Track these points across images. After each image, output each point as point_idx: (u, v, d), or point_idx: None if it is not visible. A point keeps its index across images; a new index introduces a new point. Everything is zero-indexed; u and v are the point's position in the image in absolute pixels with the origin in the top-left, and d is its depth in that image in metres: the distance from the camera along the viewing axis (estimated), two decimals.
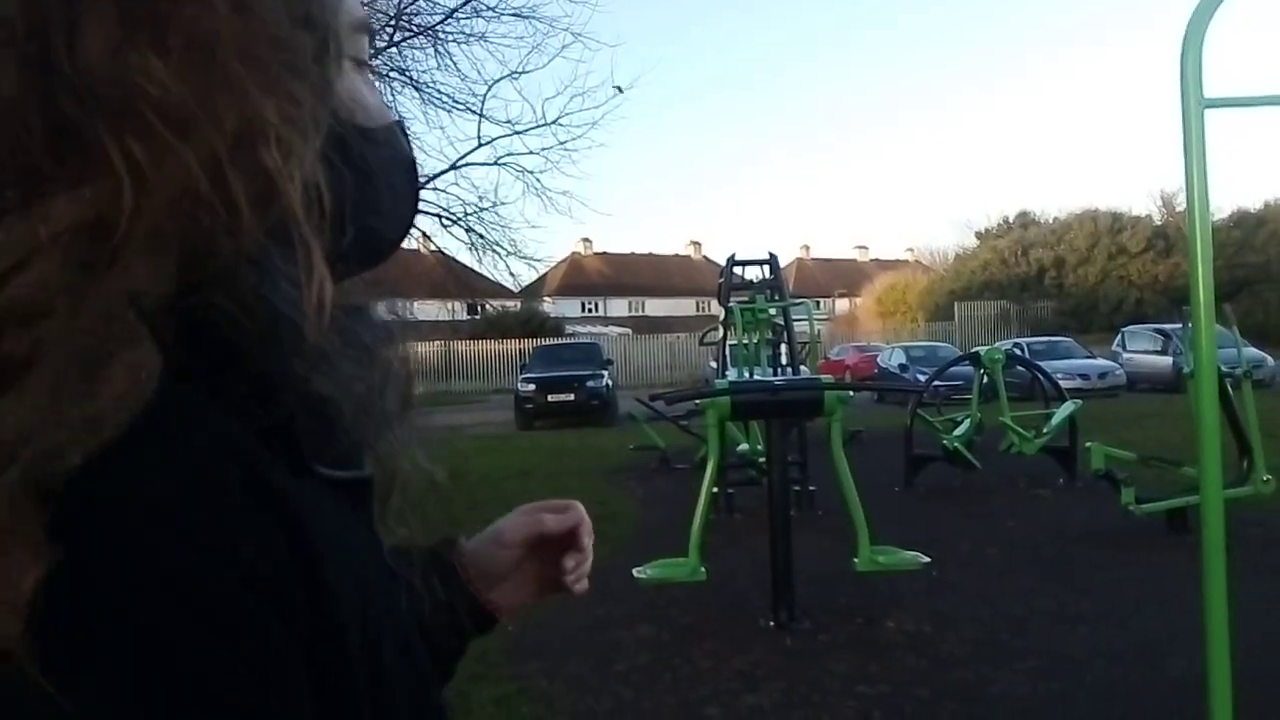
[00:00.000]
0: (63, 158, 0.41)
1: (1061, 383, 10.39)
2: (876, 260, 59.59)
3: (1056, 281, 38.13)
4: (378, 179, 0.53)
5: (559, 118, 12.20)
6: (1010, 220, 44.83)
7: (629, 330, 39.42)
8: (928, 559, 4.56)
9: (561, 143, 12.13)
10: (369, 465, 0.53)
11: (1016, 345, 19.48)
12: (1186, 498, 5.78)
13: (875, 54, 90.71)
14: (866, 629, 4.49)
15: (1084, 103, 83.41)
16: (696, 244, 60.30)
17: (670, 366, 32.07)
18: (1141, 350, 21.18)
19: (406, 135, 0.58)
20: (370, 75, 0.57)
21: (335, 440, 0.49)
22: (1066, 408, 8.13)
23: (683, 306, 50.95)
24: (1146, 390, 19.38)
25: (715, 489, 5.28)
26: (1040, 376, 9.86)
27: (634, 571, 4.59)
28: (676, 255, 60.08)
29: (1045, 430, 8.14)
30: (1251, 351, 19.42)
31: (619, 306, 55.38)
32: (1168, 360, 18.91)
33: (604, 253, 58.25)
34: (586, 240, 57.25)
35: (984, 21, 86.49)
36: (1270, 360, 19.86)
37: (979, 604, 4.82)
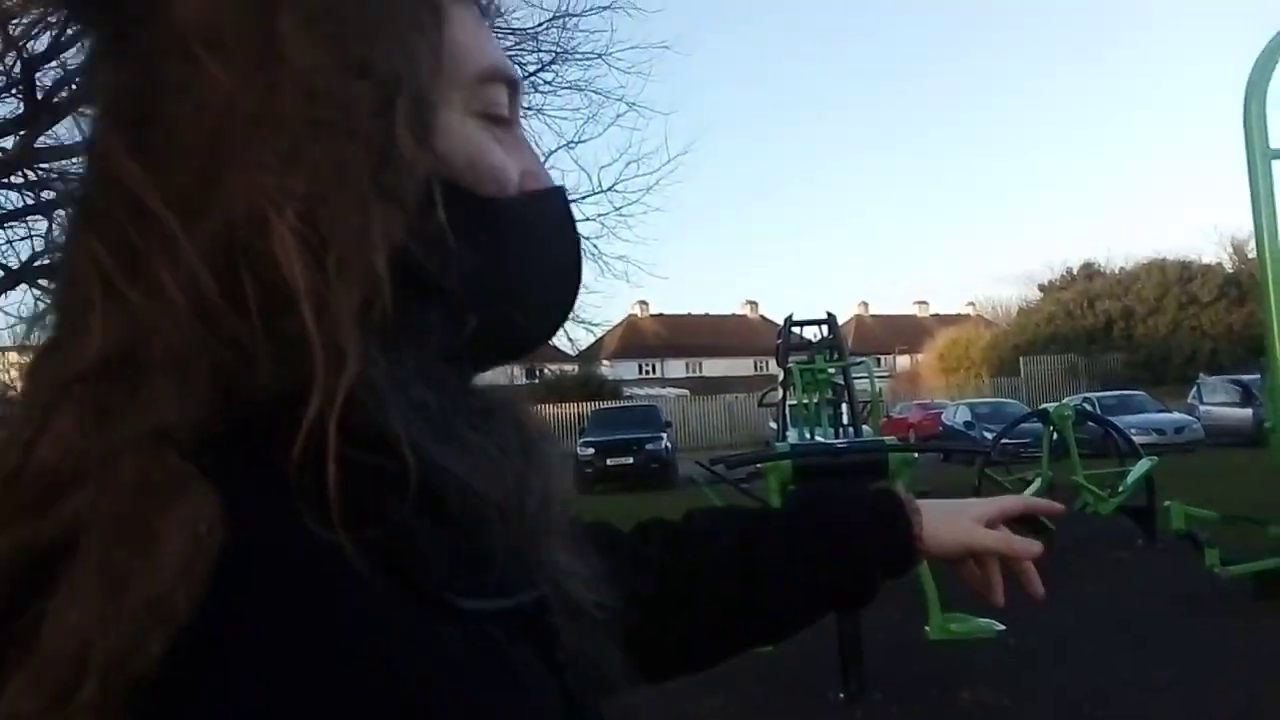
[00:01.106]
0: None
1: (1135, 438, 10.11)
2: (937, 316, 58.94)
3: (1125, 333, 37.21)
4: (512, 258, 0.45)
5: (614, 184, 12.44)
6: (1074, 271, 44.10)
7: (686, 391, 39.38)
8: (1002, 626, 4.42)
9: (617, 209, 12.33)
10: (537, 588, 0.43)
11: (1086, 400, 19.03)
12: (1276, 559, 5.53)
13: (928, 108, 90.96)
14: (940, 701, 4.34)
15: (1146, 149, 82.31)
16: (753, 303, 60.39)
17: (729, 427, 31.86)
18: (1219, 403, 20.46)
19: (567, 202, 0.50)
20: (517, 133, 0.48)
21: (480, 558, 0.41)
22: (1142, 465, 7.87)
23: (740, 366, 50.86)
24: (1226, 444, 18.69)
25: None
26: (1113, 432, 9.59)
27: None
28: (733, 315, 60.19)
29: (1121, 489, 7.87)
30: None
31: (676, 368, 55.44)
32: (1248, 413, 18.24)
33: (660, 314, 58.57)
34: (643, 302, 57.65)
35: (1040, 70, 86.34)
36: None
37: (1058, 673, 4.64)
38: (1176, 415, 19.84)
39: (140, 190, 0.35)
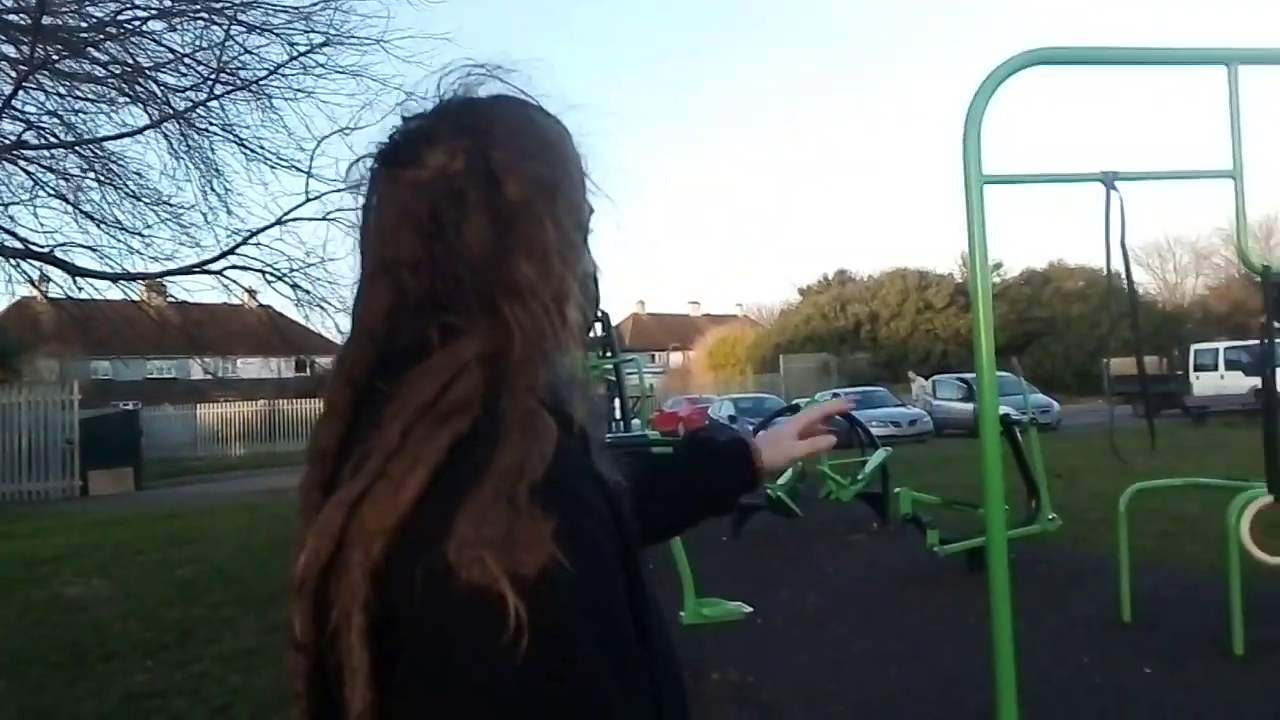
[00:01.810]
0: (467, 312, 0.71)
1: (875, 430, 11.03)
2: (708, 315, 61.48)
3: (871, 335, 40.52)
4: (593, 298, 0.84)
5: None
6: (830, 277, 47.46)
7: None
8: (750, 609, 4.68)
9: None
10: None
11: (835, 395, 20.52)
12: (983, 538, 6.20)
13: (700, 118, 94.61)
14: (692, 683, 4.54)
15: (894, 167, 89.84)
16: None
17: None
18: (947, 398, 22.78)
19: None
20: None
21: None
22: (878, 455, 8.60)
23: None
24: (952, 435, 20.83)
25: None
26: (855, 425, 10.42)
27: None
28: None
29: (860, 477, 8.56)
30: (1039, 398, 21.37)
31: None
32: (969, 407, 20.43)
33: None
34: None
35: (804, 87, 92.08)
36: (1056, 405, 21.80)
37: (799, 651, 4.99)
38: (911, 409, 21.87)
39: (530, 285, 0.72)
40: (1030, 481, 6.75)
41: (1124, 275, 2.91)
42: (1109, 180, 2.90)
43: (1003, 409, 8.14)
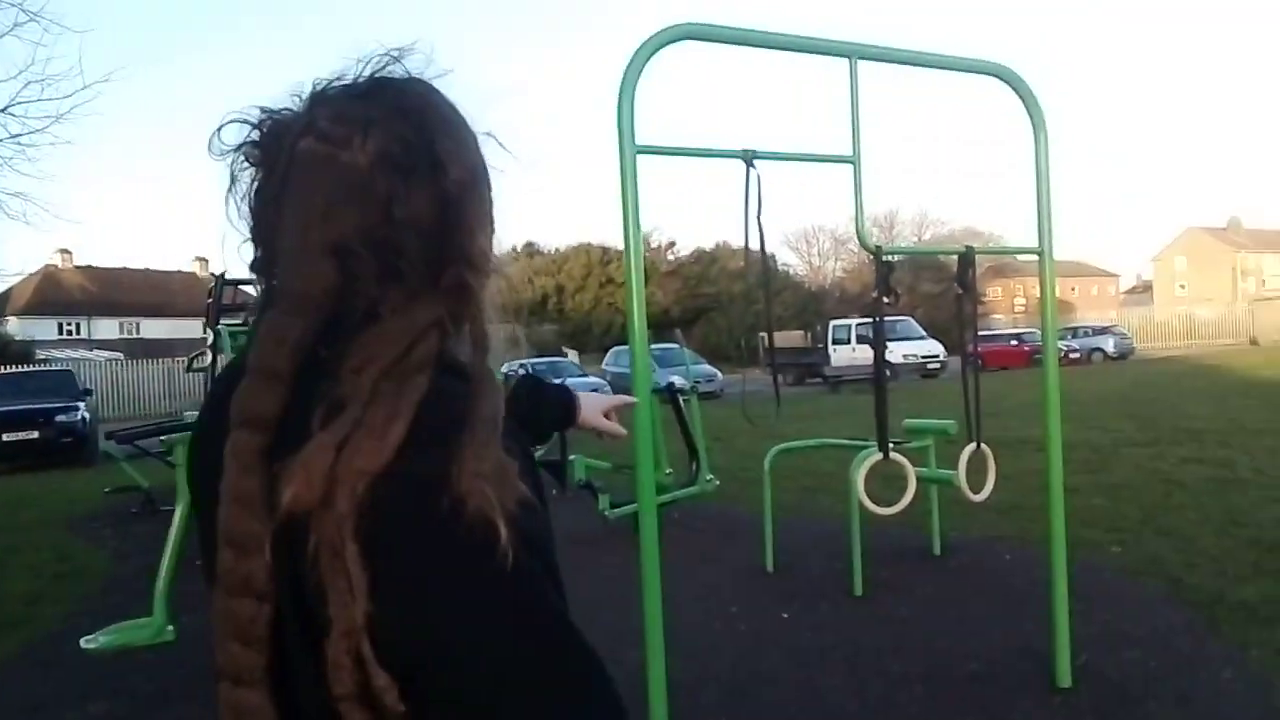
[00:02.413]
0: (416, 282, 0.78)
1: None
2: None
3: (558, 306, 41.53)
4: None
5: (9, 106, 10.40)
6: (518, 249, 47.88)
7: (120, 355, 34.57)
8: None
9: (14, 136, 10.36)
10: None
11: (523, 366, 20.78)
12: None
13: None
14: None
15: (576, 140, 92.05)
16: (203, 260, 54.57)
17: (168, 395, 29.12)
18: (626, 368, 23.93)
19: None
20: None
21: None
22: None
23: (186, 328, 45.65)
24: None
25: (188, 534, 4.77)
26: None
27: (81, 642, 3.92)
28: (180, 272, 54.32)
29: (540, 446, 8.70)
30: (703, 368, 23.12)
31: (108, 328, 48.63)
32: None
33: (88, 266, 50.85)
34: (65, 251, 49.36)
35: (482, 57, 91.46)
36: (720, 375, 23.66)
37: None
38: (591, 379, 22.74)
39: (483, 257, 0.81)
40: (691, 445, 7.22)
41: (760, 248, 3.14)
42: (748, 158, 3.11)
43: (670, 378, 8.59)
